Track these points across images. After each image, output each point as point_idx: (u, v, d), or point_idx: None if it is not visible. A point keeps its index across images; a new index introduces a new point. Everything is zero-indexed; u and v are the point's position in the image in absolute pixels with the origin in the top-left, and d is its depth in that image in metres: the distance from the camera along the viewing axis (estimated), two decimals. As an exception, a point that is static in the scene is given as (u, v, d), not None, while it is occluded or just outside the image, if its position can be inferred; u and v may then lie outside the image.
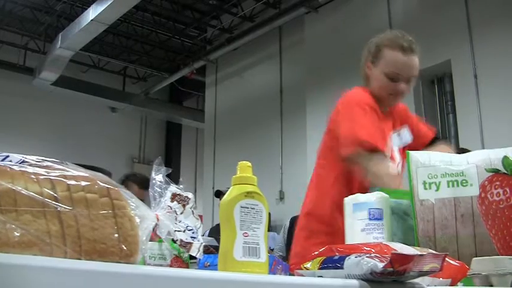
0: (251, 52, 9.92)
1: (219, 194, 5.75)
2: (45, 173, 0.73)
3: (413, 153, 1.75)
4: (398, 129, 2.54)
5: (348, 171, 2.31)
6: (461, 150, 1.85)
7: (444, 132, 7.36)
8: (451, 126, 7.22)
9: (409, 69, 2.43)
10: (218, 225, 5.39)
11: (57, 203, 0.71)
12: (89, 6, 8.89)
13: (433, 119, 7.41)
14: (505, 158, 1.58)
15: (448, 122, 7.30)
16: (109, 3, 8.23)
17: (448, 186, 1.64)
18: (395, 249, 1.17)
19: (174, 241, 0.88)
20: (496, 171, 1.58)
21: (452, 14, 6.95)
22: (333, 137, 2.37)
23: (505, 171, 1.57)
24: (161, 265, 1.15)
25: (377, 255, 0.95)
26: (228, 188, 3.84)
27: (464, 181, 1.62)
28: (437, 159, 1.71)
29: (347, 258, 0.99)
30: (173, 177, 0.96)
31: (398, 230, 1.69)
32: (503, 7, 6.50)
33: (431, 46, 6.84)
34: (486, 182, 1.58)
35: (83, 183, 0.75)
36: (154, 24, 11.04)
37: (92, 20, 8.64)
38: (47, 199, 0.71)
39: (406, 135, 2.54)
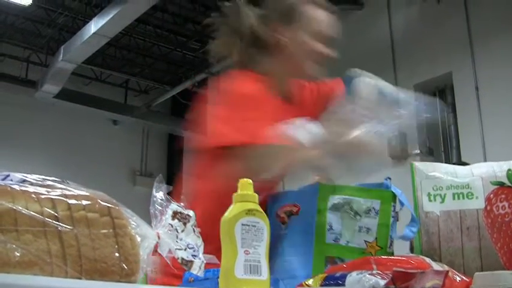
0: (252, 64, 9.92)
1: None
2: (46, 192, 0.73)
3: (417, 165, 1.74)
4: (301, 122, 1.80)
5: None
6: (462, 164, 1.84)
7: (446, 144, 7.36)
8: (453, 138, 7.22)
9: (335, 29, 1.96)
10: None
11: (57, 223, 0.71)
12: (90, 20, 8.92)
13: (434, 131, 7.41)
14: (510, 171, 1.58)
15: (449, 133, 7.31)
16: (111, 16, 8.27)
17: (454, 199, 1.63)
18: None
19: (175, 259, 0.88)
20: (501, 184, 1.57)
21: (453, 27, 6.98)
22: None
23: (510, 184, 1.56)
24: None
25: (379, 272, 0.95)
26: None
27: (469, 193, 1.61)
28: (442, 170, 1.70)
29: (349, 275, 0.98)
30: (175, 189, 0.95)
31: (346, 231, 1.64)
32: (504, 20, 6.53)
33: (433, 58, 6.86)
34: (491, 195, 1.57)
35: (84, 202, 0.75)
36: (156, 37, 11.07)
37: (93, 33, 8.67)
38: (47, 218, 0.71)
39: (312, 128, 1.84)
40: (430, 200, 1.66)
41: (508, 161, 1.63)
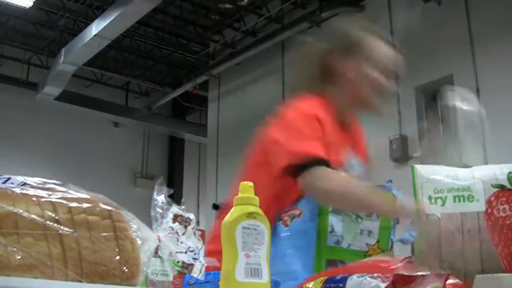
0: (254, 67, 9.93)
1: (216, 208, 5.77)
2: (47, 196, 0.73)
3: (418, 167, 1.74)
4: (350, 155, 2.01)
5: (284, 190, 1.85)
6: (463, 167, 1.83)
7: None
8: (454, 141, 7.21)
9: (398, 62, 2.06)
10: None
11: (58, 226, 0.71)
12: (92, 22, 8.94)
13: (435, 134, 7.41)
14: (511, 174, 1.58)
15: (450, 136, 7.30)
16: (112, 18, 8.28)
17: (455, 202, 1.62)
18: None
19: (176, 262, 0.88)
20: (502, 187, 1.57)
21: (454, 29, 6.97)
22: (263, 151, 2.00)
23: (511, 187, 1.56)
24: (163, 282, 1.15)
25: (379, 275, 0.95)
26: (225, 201, 3.70)
27: (470, 196, 1.61)
28: (443, 173, 1.70)
29: (349, 278, 0.98)
30: (176, 191, 0.95)
31: (347, 234, 1.64)
32: (505, 22, 6.52)
33: (433, 61, 6.85)
34: (492, 198, 1.56)
35: (85, 205, 0.75)
36: (157, 39, 11.08)
37: (95, 35, 8.68)
38: (48, 222, 0.71)
39: (356, 165, 2.01)
40: (431, 203, 1.66)
41: (509, 164, 1.62)
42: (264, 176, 1.85)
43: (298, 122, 1.89)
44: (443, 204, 1.64)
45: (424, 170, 1.72)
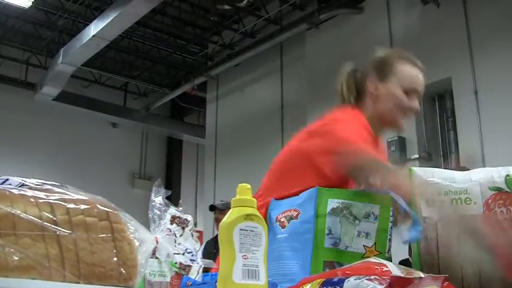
0: (252, 68, 9.94)
1: (213, 209, 5.76)
2: (45, 197, 0.73)
3: (416, 169, 1.74)
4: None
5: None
6: (462, 169, 1.83)
7: (445, 149, 7.36)
8: (452, 143, 7.22)
9: (423, 85, 2.19)
10: (213, 239, 5.28)
11: (56, 227, 0.71)
12: (90, 22, 8.94)
13: (433, 136, 7.41)
14: (508, 176, 1.57)
15: (448, 138, 7.31)
16: (110, 19, 8.28)
17: (452, 204, 1.62)
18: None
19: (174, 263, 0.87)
20: (499, 190, 1.57)
21: (453, 32, 6.98)
22: (302, 154, 2.18)
23: (508, 190, 1.56)
24: (161, 283, 1.15)
25: (376, 277, 0.95)
26: (222, 202, 3.79)
27: (468, 199, 1.61)
28: (440, 176, 1.70)
29: (346, 280, 0.98)
30: (174, 192, 0.95)
31: (345, 235, 1.64)
32: (503, 25, 6.53)
33: (432, 63, 6.83)
34: (490, 201, 1.56)
35: (82, 206, 0.74)
36: (155, 40, 11.08)
37: (93, 35, 8.68)
38: (46, 223, 0.71)
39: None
40: (428, 205, 1.65)
41: (506, 167, 1.62)
42: (289, 178, 2.07)
43: (354, 126, 2.01)
44: (440, 207, 1.64)
45: (421, 173, 1.72)
